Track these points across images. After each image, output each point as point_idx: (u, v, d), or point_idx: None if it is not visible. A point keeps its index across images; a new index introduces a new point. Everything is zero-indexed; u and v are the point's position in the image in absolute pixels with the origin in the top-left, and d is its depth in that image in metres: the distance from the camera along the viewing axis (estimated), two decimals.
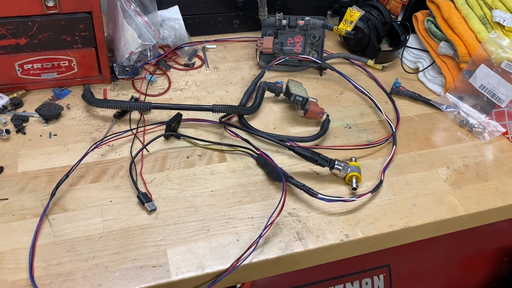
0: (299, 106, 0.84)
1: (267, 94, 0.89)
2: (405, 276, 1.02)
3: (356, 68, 1.03)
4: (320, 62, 0.95)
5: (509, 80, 0.86)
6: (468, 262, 1.08)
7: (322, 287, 0.91)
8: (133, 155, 0.74)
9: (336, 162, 0.73)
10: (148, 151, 0.76)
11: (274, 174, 0.72)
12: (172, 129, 0.77)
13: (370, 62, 1.02)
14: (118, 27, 0.84)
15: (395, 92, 0.95)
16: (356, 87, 0.92)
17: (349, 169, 0.73)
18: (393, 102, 0.93)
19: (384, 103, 0.93)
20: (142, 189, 0.69)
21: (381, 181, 0.75)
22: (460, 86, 0.94)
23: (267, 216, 0.68)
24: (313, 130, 0.85)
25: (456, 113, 0.91)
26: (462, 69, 0.93)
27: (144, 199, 0.67)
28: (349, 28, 0.93)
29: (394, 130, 0.84)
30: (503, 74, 0.87)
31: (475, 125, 0.88)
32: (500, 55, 0.88)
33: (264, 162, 0.74)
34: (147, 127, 0.80)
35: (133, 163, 0.72)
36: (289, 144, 0.74)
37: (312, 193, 0.69)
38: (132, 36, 0.82)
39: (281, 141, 0.77)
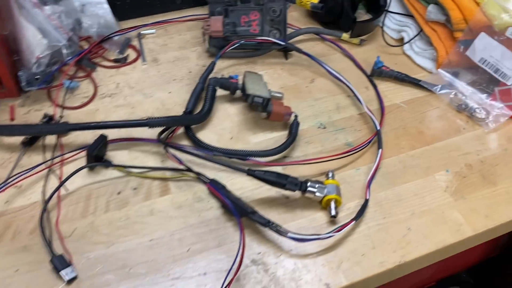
0: (260, 108, 0.67)
1: (221, 91, 0.71)
2: None
3: (329, 45, 0.85)
4: (283, 43, 0.76)
5: None
6: None
7: None
8: (46, 198, 0.57)
9: (309, 184, 0.58)
10: (68, 190, 0.59)
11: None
12: (96, 157, 0.60)
13: (345, 36, 0.84)
14: (16, 24, 0.64)
15: (377, 73, 0.78)
16: (330, 73, 0.75)
17: (325, 190, 0.58)
18: (375, 87, 0.76)
19: (364, 89, 0.76)
20: (59, 248, 0.53)
21: (366, 202, 0.59)
22: (455, 59, 0.77)
23: (225, 269, 0.52)
24: (281, 135, 0.68)
25: (452, 95, 0.75)
26: (457, 38, 0.76)
27: (59, 264, 0.51)
28: (315, 0, 0.74)
29: (378, 127, 0.68)
30: (509, 44, 0.70)
31: (476, 109, 0.72)
32: (504, 20, 0.71)
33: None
34: (66, 155, 0.62)
35: (45, 212, 0.55)
36: (247, 169, 0.57)
37: (280, 232, 0.53)
38: (34, 37, 0.63)
39: (239, 159, 0.61)
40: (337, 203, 0.58)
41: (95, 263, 0.52)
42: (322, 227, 0.57)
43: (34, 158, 0.62)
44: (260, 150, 0.63)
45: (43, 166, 0.60)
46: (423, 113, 0.73)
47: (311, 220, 0.58)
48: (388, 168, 0.65)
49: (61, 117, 0.67)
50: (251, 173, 0.57)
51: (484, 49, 0.73)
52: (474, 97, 0.74)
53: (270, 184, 0.58)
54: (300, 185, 0.57)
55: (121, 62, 0.76)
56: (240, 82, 0.70)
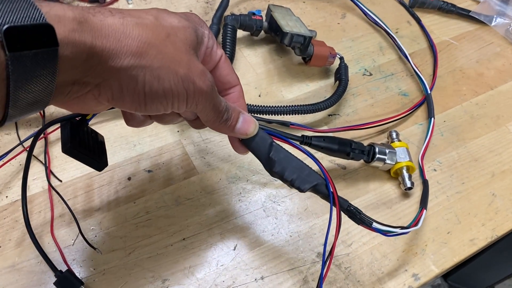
0: (298, 51, 0.52)
1: (239, 33, 0.56)
2: None
3: None
4: None
5: None
6: None
7: None
8: (29, 194, 0.42)
9: (378, 150, 0.45)
10: (61, 181, 0.44)
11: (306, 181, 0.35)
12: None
13: None
14: None
15: (419, 4, 0.64)
16: (365, 13, 0.61)
17: (395, 157, 0.46)
18: (419, 21, 0.63)
19: (406, 25, 0.63)
20: (58, 263, 0.39)
21: (426, 184, 0.46)
22: None
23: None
24: (321, 86, 0.54)
25: (509, 27, 0.63)
26: None
27: (65, 285, 0.37)
28: None
29: (428, 90, 0.54)
30: None
31: None
32: None
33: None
34: (49, 129, 0.46)
35: (28, 213, 0.40)
36: (300, 136, 0.44)
37: (364, 221, 0.39)
38: None
39: (280, 123, 0.48)
40: (410, 171, 0.46)
41: (114, 279, 0.39)
42: (395, 202, 0.46)
43: (5, 139, 0.46)
44: (307, 104, 0.49)
45: (19, 149, 0.44)
46: (477, 51, 0.61)
47: (379, 195, 0.46)
48: (454, 120, 0.53)
49: None
50: (306, 142, 0.44)
51: None
52: None
53: (329, 153, 0.45)
54: (368, 152, 0.45)
55: (100, 1, 0.58)
56: (265, 19, 0.55)
